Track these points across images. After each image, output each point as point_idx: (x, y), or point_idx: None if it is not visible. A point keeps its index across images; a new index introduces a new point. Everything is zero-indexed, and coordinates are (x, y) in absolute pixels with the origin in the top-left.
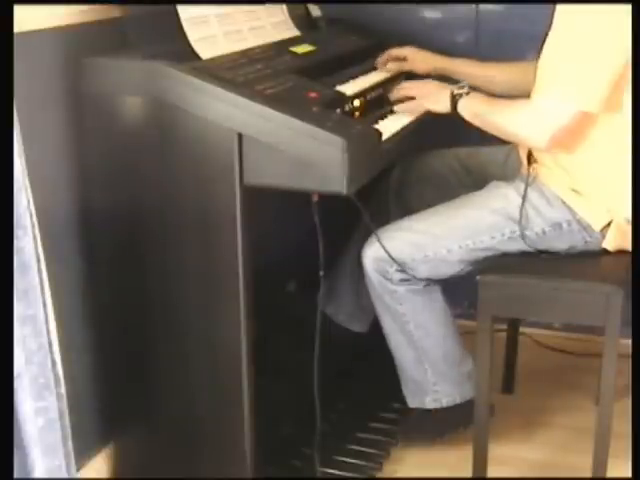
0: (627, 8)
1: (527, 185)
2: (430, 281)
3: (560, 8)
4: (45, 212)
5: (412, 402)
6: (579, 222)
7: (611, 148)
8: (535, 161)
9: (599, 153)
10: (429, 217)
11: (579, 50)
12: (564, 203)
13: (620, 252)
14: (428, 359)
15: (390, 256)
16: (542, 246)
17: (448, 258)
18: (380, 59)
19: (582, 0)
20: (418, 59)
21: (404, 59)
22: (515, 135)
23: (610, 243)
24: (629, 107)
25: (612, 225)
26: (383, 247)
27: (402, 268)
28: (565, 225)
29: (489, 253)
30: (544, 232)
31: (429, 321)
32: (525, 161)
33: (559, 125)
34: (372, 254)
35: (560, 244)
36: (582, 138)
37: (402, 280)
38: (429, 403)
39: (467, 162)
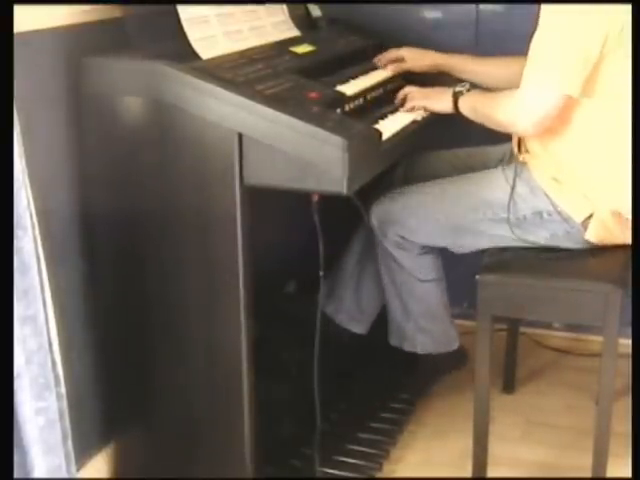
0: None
1: (516, 174)
2: (426, 249)
3: (544, 7)
4: (45, 212)
5: (392, 340)
6: (560, 213)
7: (588, 137)
8: (526, 151)
9: (577, 141)
10: (429, 186)
11: (559, 41)
12: (546, 194)
13: (618, 250)
14: (411, 312)
15: (371, 222)
16: (523, 233)
17: (438, 227)
18: (378, 62)
19: (580, 0)
20: (415, 57)
21: (402, 60)
22: (503, 123)
23: (592, 235)
24: (612, 99)
25: (594, 217)
26: (368, 219)
27: (393, 232)
28: (546, 215)
29: (477, 237)
30: (525, 217)
31: (415, 283)
32: (515, 150)
33: (543, 110)
34: (377, 213)
35: (541, 232)
36: (567, 122)
37: (397, 243)
38: (406, 346)
39: (468, 161)
